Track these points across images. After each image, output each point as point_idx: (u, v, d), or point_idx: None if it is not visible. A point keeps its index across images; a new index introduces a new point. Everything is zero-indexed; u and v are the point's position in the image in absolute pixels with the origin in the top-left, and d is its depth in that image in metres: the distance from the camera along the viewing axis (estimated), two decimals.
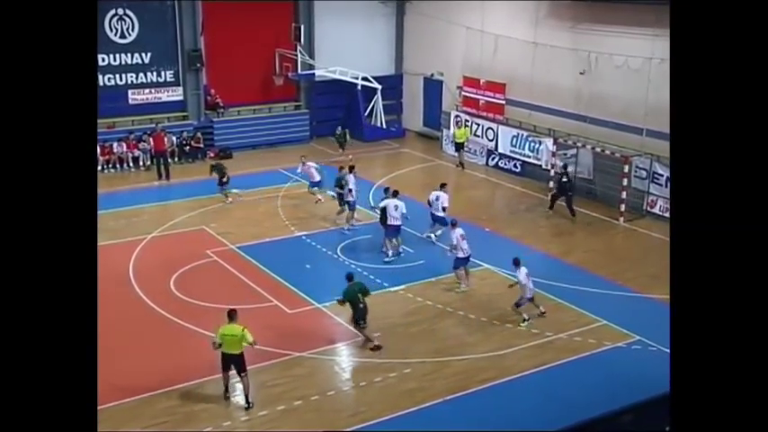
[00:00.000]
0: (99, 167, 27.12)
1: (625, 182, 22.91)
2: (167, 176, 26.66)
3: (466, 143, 28.72)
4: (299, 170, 24.05)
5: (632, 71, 23.85)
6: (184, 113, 29.76)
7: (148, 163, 27.91)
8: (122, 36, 28.12)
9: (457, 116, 29.72)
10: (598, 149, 24.11)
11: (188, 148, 28.61)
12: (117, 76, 28.34)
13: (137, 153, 27.93)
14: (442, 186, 21.08)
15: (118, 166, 27.68)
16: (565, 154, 25.37)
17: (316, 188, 23.44)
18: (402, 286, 18.15)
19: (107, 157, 27.42)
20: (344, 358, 15.36)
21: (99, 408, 12.60)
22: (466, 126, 29.13)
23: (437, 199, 20.67)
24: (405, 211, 19.75)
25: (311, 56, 31.23)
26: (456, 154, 28.99)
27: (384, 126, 32.70)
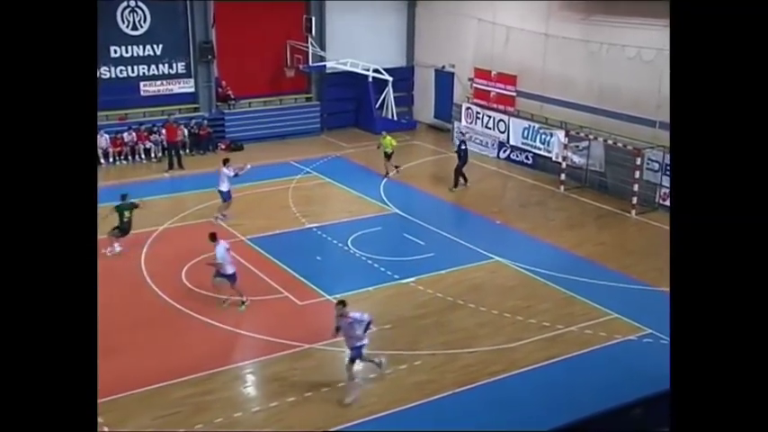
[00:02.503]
0: (111, 159, 27.33)
1: (637, 174, 22.83)
2: (180, 165, 26.83)
3: (392, 152, 26.10)
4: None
5: (644, 63, 23.71)
6: (196, 105, 29.84)
7: (160, 155, 28.02)
8: (134, 28, 28.19)
9: (383, 132, 27.51)
10: (610, 142, 24.03)
11: (196, 136, 28.68)
12: (129, 67, 28.43)
13: (148, 145, 28.01)
14: None
15: (129, 157, 27.80)
16: (577, 146, 25.29)
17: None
18: (412, 278, 18.15)
19: (119, 148, 27.56)
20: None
21: (112, 397, 12.82)
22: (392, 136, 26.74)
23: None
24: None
25: (322, 48, 31.22)
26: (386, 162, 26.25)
27: (395, 118, 32.67)
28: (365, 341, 13.48)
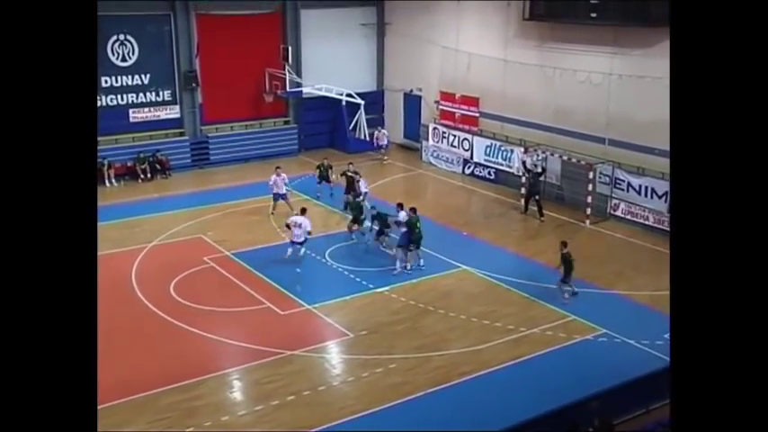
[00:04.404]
0: (107, 182, 27.21)
1: (590, 187, 23.09)
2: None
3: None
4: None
5: (594, 86, 24.10)
6: (181, 130, 29.71)
7: (149, 176, 27.91)
8: (123, 59, 28.05)
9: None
10: (565, 157, 24.29)
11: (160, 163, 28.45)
12: (118, 96, 28.26)
13: (138, 170, 27.90)
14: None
15: (122, 180, 27.69)
16: (535, 160, 25.50)
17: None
18: (387, 287, 18.17)
19: (110, 171, 27.40)
20: (334, 355, 15.37)
21: (107, 404, 12.67)
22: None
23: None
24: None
25: (299, 74, 31.23)
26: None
27: (367, 138, 32.71)
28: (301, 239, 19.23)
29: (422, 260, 19.21)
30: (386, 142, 31.38)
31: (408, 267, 19.01)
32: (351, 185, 23.86)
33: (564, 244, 17.71)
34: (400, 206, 19.93)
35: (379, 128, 32.07)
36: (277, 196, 23.31)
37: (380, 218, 20.50)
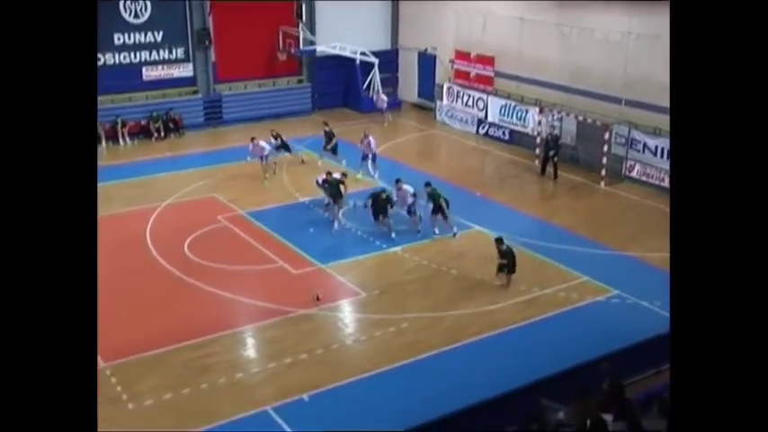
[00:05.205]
0: (121, 140, 27.39)
1: (605, 148, 22.88)
2: None
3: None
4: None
5: (611, 45, 23.70)
6: (195, 88, 29.63)
7: (163, 134, 27.92)
8: (136, 16, 27.89)
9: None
10: (581, 118, 24.03)
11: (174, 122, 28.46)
12: (131, 54, 28.16)
13: (152, 128, 27.92)
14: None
15: (135, 138, 27.72)
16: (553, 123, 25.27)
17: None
18: (399, 247, 18.20)
19: (124, 129, 27.43)
20: (346, 314, 15.46)
21: (120, 360, 12.87)
22: None
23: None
24: None
25: (312, 32, 30.93)
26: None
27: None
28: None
29: (455, 227, 18.92)
30: (385, 106, 30.44)
31: (436, 231, 18.92)
32: (329, 141, 24.01)
33: (499, 240, 16.51)
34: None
35: (378, 91, 31.35)
36: (264, 158, 23.01)
37: (382, 200, 19.10)
